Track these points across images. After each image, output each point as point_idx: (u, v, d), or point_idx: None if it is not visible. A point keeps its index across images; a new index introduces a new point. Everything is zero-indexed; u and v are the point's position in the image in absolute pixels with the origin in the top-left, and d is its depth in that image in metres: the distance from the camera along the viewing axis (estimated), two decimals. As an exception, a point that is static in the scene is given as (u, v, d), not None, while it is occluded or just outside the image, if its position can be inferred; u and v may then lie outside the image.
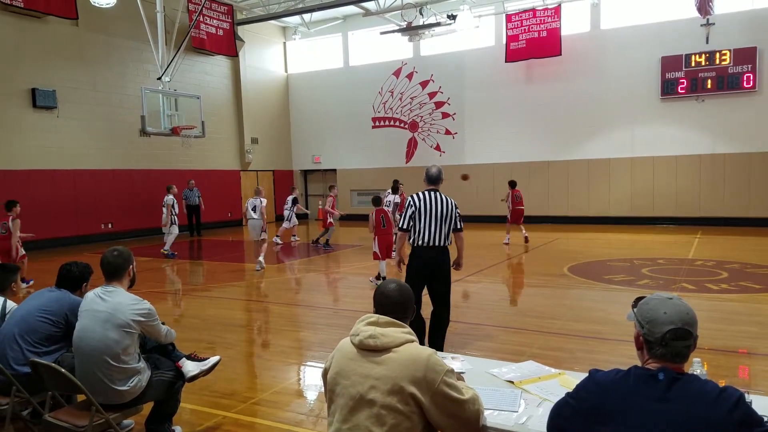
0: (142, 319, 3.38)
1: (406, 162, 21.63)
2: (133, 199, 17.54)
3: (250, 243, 12.58)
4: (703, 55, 16.69)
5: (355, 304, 8.22)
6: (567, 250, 13.08)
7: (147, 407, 3.66)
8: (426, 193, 5.29)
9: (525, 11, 18.70)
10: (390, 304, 2.38)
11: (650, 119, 17.61)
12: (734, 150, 16.73)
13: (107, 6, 14.14)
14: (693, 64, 16.83)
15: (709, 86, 16.70)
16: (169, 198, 13.46)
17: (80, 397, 3.56)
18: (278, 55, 23.73)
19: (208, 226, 19.20)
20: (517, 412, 2.42)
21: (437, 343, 5.24)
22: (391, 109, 21.92)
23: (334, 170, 23.30)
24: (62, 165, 15.78)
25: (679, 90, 17.07)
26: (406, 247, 5.57)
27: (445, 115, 20.91)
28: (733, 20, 16.36)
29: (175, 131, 14.00)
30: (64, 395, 3.64)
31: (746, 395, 1.85)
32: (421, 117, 21.38)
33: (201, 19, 18.48)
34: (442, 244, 5.24)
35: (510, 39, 18.96)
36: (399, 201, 12.41)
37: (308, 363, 5.80)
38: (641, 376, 1.81)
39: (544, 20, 18.38)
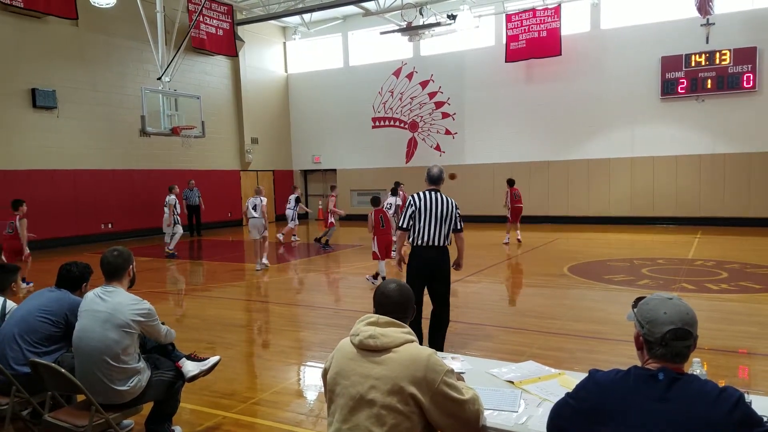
0: (142, 319, 3.38)
1: (406, 162, 21.63)
2: (133, 199, 17.55)
3: (250, 243, 12.58)
4: (703, 55, 16.69)
5: (355, 304, 8.22)
6: (567, 250, 13.08)
7: (147, 407, 3.66)
8: (427, 192, 5.29)
9: (525, 11, 18.70)
10: (390, 304, 2.38)
11: (650, 119, 17.61)
12: (734, 150, 16.73)
13: (107, 6, 14.15)
14: (693, 64, 16.83)
15: (709, 86, 16.70)
16: (171, 198, 13.50)
17: (80, 397, 3.56)
18: (278, 55, 23.73)
19: (208, 226, 19.21)
20: (517, 412, 2.42)
21: (437, 343, 5.24)
22: (391, 109, 21.92)
23: (334, 170, 23.31)
24: (62, 165, 15.78)
25: (679, 90, 17.07)
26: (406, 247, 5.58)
27: (445, 115, 20.92)
28: (733, 20, 16.36)
29: (175, 131, 14.01)
30: (63, 395, 3.64)
31: (746, 395, 1.85)
32: (421, 117, 21.38)
33: (201, 19, 18.49)
34: (441, 244, 5.24)
35: (510, 39, 18.96)
36: (400, 203, 12.42)
37: (308, 363, 5.79)
38: (641, 376, 1.81)
39: (544, 20, 18.38)
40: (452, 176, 13.93)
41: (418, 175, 19.61)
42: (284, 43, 23.89)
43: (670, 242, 13.91)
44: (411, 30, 19.54)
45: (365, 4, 19.00)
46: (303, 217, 19.94)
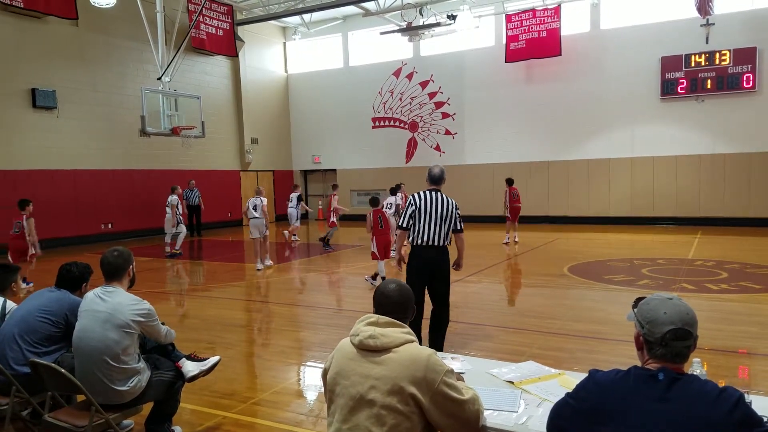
0: (142, 319, 3.38)
1: (406, 162, 21.63)
2: (133, 199, 17.55)
3: (250, 243, 12.58)
4: (703, 55, 16.69)
5: (355, 304, 8.22)
6: (567, 250, 13.08)
7: (147, 407, 3.66)
8: (427, 192, 5.30)
9: (525, 11, 18.70)
10: (390, 304, 2.38)
11: (650, 119, 17.61)
12: (734, 150, 16.73)
13: (107, 6, 14.15)
14: (693, 64, 16.83)
15: (709, 86, 16.70)
16: (174, 198, 13.57)
17: (80, 398, 3.56)
18: (278, 56, 23.73)
19: (209, 226, 19.21)
20: (517, 412, 2.42)
21: (437, 343, 5.24)
22: (391, 109, 21.93)
23: (334, 170, 23.30)
24: (62, 165, 15.78)
25: (679, 90, 17.07)
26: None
27: (445, 115, 20.92)
28: (733, 20, 16.37)
29: (175, 131, 14.02)
30: (63, 395, 3.64)
31: (746, 395, 1.85)
32: (421, 117, 21.39)
33: (201, 19, 18.49)
34: (441, 243, 5.24)
35: (510, 39, 18.96)
36: (400, 202, 12.44)
37: (308, 363, 5.79)
38: (641, 376, 1.81)
39: (544, 20, 18.39)
40: None
41: (418, 175, 19.65)
42: (284, 43, 23.89)
43: (670, 242, 13.91)
44: (411, 30, 19.55)
45: (365, 4, 19.01)
46: (303, 217, 19.93)
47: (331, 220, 14.45)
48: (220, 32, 19.69)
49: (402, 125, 21.80)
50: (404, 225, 5.31)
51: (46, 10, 14.72)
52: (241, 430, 4.09)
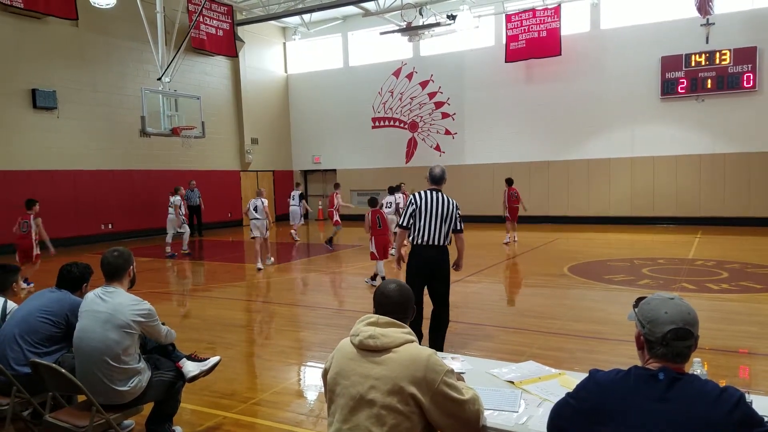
0: (142, 319, 3.38)
1: (406, 162, 21.64)
2: (133, 199, 17.55)
3: (250, 243, 12.59)
4: (703, 55, 16.69)
5: (356, 305, 8.22)
6: (567, 250, 13.08)
7: (147, 407, 3.66)
8: (428, 192, 5.30)
9: (525, 11, 18.70)
10: (390, 304, 2.38)
11: (650, 119, 17.61)
12: (734, 150, 16.73)
13: (107, 6, 14.15)
14: (693, 63, 16.83)
15: (709, 86, 16.70)
16: (176, 199, 13.63)
17: (81, 398, 3.56)
18: (278, 56, 23.73)
19: (209, 227, 19.21)
20: (517, 412, 2.42)
21: (437, 343, 5.24)
22: (391, 109, 21.93)
23: (334, 170, 23.31)
24: (62, 165, 15.78)
25: (679, 90, 17.07)
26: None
27: (445, 115, 20.92)
28: (733, 20, 16.37)
29: (175, 132, 14.02)
30: (64, 396, 3.64)
31: (747, 395, 1.85)
32: (421, 117, 21.39)
33: (201, 19, 18.49)
34: (441, 243, 5.25)
35: (510, 39, 18.96)
36: (399, 201, 12.46)
37: (308, 363, 5.80)
38: (641, 376, 1.81)
39: (543, 20, 18.39)
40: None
41: (418, 175, 19.66)
42: (284, 43, 23.89)
43: (671, 242, 13.91)
44: (411, 30, 19.55)
45: (365, 5, 19.01)
46: (304, 217, 19.94)
47: (335, 219, 14.52)
48: (220, 32, 19.69)
49: (402, 125, 21.81)
50: (404, 224, 5.32)
51: (46, 11, 14.72)
52: (242, 430, 4.09)
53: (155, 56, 13.95)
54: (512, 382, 2.74)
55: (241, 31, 20.79)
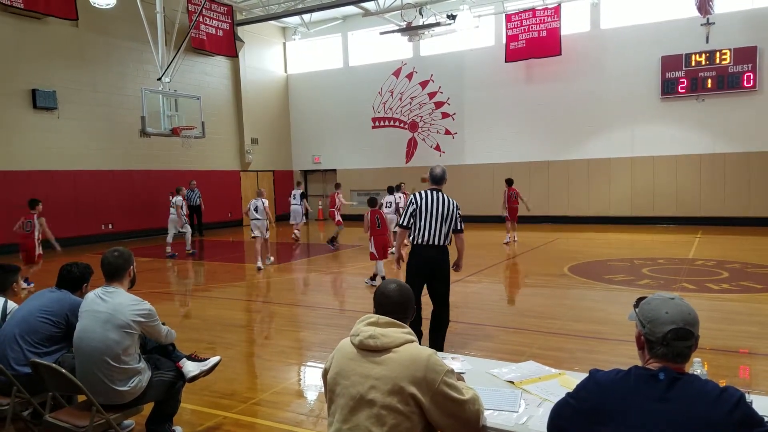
0: (143, 319, 3.38)
1: (406, 162, 21.63)
2: (133, 199, 17.56)
3: (250, 243, 12.60)
4: (703, 55, 16.69)
5: (356, 305, 8.22)
6: (567, 250, 13.08)
7: (147, 407, 3.66)
8: (428, 192, 5.31)
9: (525, 11, 18.70)
10: (390, 304, 2.38)
11: (650, 119, 17.60)
12: (734, 150, 16.73)
13: (107, 7, 14.16)
14: (693, 63, 16.83)
15: (709, 86, 16.70)
16: (178, 199, 13.65)
17: (81, 398, 3.56)
18: (278, 56, 23.73)
19: (209, 227, 19.21)
20: (517, 412, 2.42)
21: (437, 343, 5.24)
22: (391, 109, 21.93)
23: (334, 170, 23.31)
24: (62, 165, 15.78)
25: (679, 89, 17.07)
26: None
27: (445, 115, 20.92)
28: (733, 20, 16.36)
29: (175, 132, 14.02)
30: (64, 396, 3.64)
31: (747, 395, 1.85)
32: (421, 117, 21.38)
33: (201, 19, 18.49)
34: (441, 243, 5.25)
35: (510, 39, 18.96)
36: (399, 201, 12.47)
37: (308, 363, 5.80)
38: (642, 376, 1.81)
39: (543, 20, 18.38)
40: (425, 179, 14.13)
41: (417, 176, 19.69)
42: (284, 43, 23.89)
43: (671, 242, 13.91)
44: (411, 30, 19.55)
45: (365, 5, 19.01)
46: (304, 216, 19.96)
47: (337, 218, 14.54)
48: (220, 33, 19.69)
49: (402, 125, 21.80)
50: (404, 224, 5.32)
51: (46, 11, 14.72)
52: (242, 430, 4.09)
53: (155, 56, 13.95)
54: (512, 382, 2.74)
55: (241, 31, 20.80)
